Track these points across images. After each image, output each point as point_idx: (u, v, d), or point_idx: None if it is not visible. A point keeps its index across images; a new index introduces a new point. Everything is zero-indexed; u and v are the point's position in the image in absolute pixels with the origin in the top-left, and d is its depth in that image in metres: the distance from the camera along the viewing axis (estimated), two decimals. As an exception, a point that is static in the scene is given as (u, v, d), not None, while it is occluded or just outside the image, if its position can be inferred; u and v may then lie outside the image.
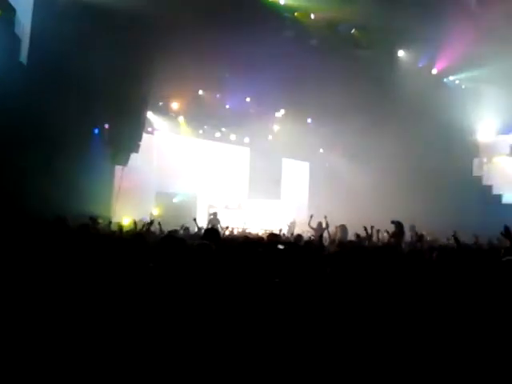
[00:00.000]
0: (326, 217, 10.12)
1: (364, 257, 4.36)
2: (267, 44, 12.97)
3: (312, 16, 13.79)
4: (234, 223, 14.36)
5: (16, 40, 9.97)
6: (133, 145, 14.60)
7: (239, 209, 19.27)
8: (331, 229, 9.84)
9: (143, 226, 8.10)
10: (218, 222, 12.87)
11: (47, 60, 10.38)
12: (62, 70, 10.84)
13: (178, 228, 9.38)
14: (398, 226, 8.41)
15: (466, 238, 8.62)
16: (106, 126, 14.76)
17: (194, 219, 11.02)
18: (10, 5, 9.09)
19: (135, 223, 9.00)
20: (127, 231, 8.15)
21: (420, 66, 16.30)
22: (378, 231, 8.23)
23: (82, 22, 10.64)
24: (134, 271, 3.68)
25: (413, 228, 10.30)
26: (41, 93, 10.25)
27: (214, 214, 13.51)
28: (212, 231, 5.17)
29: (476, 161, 17.72)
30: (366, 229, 7.84)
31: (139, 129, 14.81)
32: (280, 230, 12.52)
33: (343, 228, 9.67)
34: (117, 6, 10.82)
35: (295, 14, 13.63)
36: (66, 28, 10.12)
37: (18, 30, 9.97)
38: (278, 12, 13.35)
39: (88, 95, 12.06)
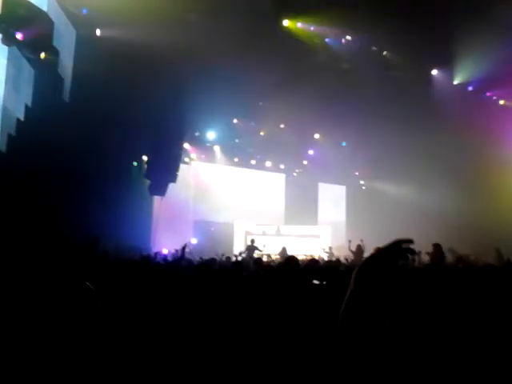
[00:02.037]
0: (362, 240, 10.04)
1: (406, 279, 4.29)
2: (299, 70, 13.15)
3: (343, 40, 13.93)
4: (271, 250, 14.34)
5: (59, 80, 10.53)
6: (171, 175, 14.91)
7: (277, 235, 19.23)
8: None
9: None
10: (256, 249, 12.88)
11: (88, 97, 10.87)
12: (102, 107, 11.31)
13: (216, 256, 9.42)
14: (436, 248, 8.24)
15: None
16: (145, 158, 15.20)
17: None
18: (55, 48, 9.63)
19: None
20: None
21: (455, 83, 16.09)
22: (419, 253, 8.06)
23: (121, 61, 11.12)
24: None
25: (451, 250, 10.03)
26: (82, 129, 10.71)
27: (252, 241, 13.54)
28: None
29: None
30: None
31: (177, 159, 15.15)
32: (319, 257, 12.47)
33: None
34: (152, 45, 11.28)
35: (325, 39, 13.79)
36: (105, 67, 10.61)
37: (61, 70, 10.53)
38: (307, 38, 13.55)
39: (127, 129, 12.50)
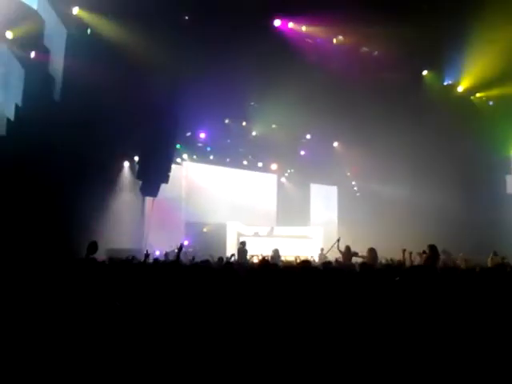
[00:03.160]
0: (348, 247, 10.17)
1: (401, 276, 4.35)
2: (291, 70, 13.16)
3: (334, 41, 13.97)
4: (264, 250, 14.29)
5: (50, 79, 10.44)
6: (162, 176, 14.83)
7: (269, 236, 19.16)
8: (361, 252, 9.76)
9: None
10: (246, 252, 12.77)
11: (79, 97, 10.79)
12: (93, 106, 11.24)
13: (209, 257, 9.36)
14: (432, 249, 8.21)
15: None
16: (136, 158, 15.13)
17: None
18: (46, 47, 9.54)
19: None
20: None
21: (445, 84, 16.22)
22: (411, 254, 8.08)
23: (112, 61, 11.05)
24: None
25: (445, 252, 10.05)
26: (73, 129, 10.62)
27: (243, 244, 13.40)
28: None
29: (509, 178, 17.28)
30: (404, 251, 7.79)
31: (168, 160, 15.07)
32: (312, 257, 12.50)
33: (372, 251, 9.48)
34: (143, 44, 11.24)
35: (317, 40, 13.82)
36: (96, 66, 10.54)
37: (52, 69, 10.44)
38: (299, 38, 13.58)
39: (118, 130, 12.43)
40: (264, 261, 7.24)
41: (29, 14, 8.35)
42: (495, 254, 8.62)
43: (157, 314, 3.64)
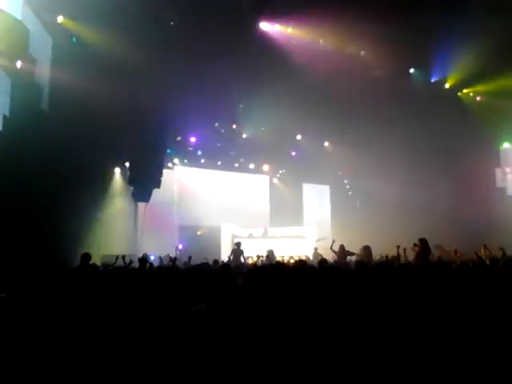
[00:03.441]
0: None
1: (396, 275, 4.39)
2: (279, 72, 13.21)
3: (321, 41, 14.04)
4: (259, 252, 14.30)
5: (37, 89, 10.38)
6: (154, 181, 14.82)
7: (263, 237, 19.15)
8: (355, 250, 9.81)
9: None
10: (242, 252, 12.81)
11: (67, 105, 10.74)
12: (81, 114, 11.18)
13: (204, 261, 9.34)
14: (423, 242, 8.26)
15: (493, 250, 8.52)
16: (127, 164, 15.09)
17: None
18: (32, 56, 9.49)
19: None
20: None
21: (432, 81, 16.35)
22: (405, 249, 8.14)
23: (99, 68, 11.02)
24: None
25: (439, 247, 10.12)
26: (62, 137, 10.57)
27: (238, 245, 13.43)
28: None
29: (498, 171, 17.45)
30: (398, 247, 7.85)
31: (159, 165, 15.06)
32: (306, 256, 12.55)
33: (367, 249, 9.51)
34: (130, 50, 11.22)
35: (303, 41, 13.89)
36: (83, 74, 10.50)
37: (39, 78, 10.38)
38: (287, 40, 13.63)
39: (108, 136, 12.39)
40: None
41: (13, 23, 8.31)
42: (485, 247, 8.70)
43: (154, 318, 3.64)
